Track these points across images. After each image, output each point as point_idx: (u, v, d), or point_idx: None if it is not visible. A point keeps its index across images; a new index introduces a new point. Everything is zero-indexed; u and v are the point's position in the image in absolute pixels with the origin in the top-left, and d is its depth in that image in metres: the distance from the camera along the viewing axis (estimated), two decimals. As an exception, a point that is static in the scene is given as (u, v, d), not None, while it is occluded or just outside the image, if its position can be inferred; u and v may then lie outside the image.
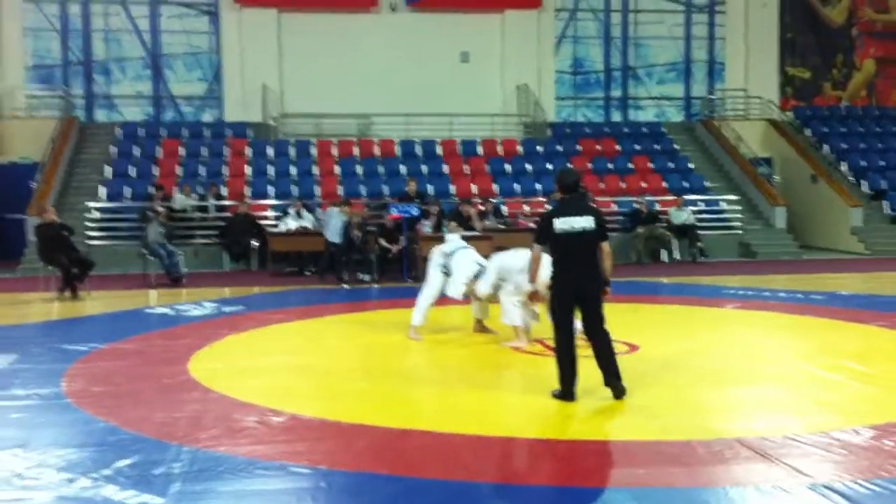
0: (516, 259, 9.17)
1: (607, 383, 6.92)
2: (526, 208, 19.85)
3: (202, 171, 20.98)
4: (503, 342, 9.29)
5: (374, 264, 16.20)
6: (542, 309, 8.86)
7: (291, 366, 8.49)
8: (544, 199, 20.45)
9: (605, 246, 6.98)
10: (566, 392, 6.87)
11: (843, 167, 23.63)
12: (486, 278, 9.37)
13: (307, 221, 17.83)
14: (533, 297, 7.29)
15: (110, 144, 21.74)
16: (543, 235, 6.97)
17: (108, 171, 20.78)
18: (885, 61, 27.23)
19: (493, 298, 9.53)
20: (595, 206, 8.31)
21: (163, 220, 16.44)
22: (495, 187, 21.04)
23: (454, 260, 9.77)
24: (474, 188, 20.75)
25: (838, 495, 4.76)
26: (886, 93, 27.34)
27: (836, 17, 26.92)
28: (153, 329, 10.73)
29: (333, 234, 16.12)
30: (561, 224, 6.84)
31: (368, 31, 24.06)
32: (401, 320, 10.41)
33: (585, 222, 6.84)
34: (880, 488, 4.87)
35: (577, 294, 6.87)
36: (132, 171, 20.78)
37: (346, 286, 15.39)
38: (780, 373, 8.11)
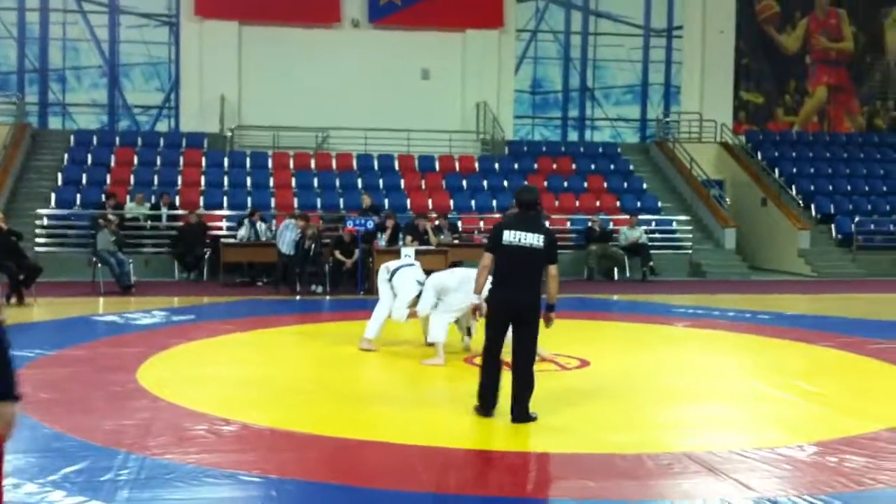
0: (452, 278, 9.20)
1: (513, 404, 6.64)
2: (481, 224, 19.96)
3: (156, 180, 20.78)
4: (423, 360, 9.21)
5: (327, 276, 16.15)
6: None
7: (242, 376, 8.43)
8: (499, 216, 20.55)
9: (553, 269, 6.82)
10: (483, 407, 6.73)
11: (793, 191, 24.07)
12: (425, 297, 9.34)
13: (262, 233, 17.73)
14: (476, 309, 7.19)
15: (63, 152, 21.46)
16: (492, 245, 6.85)
17: (59, 177, 20.49)
18: (837, 89, 27.83)
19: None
20: (548, 227, 8.24)
21: (113, 228, 16.24)
22: (451, 203, 21.09)
23: (396, 278, 9.75)
24: (430, 203, 20.79)
25: (783, 509, 4.84)
26: (838, 119, 27.92)
27: (791, 44, 27.48)
28: (101, 337, 10.59)
29: (286, 246, 16.11)
30: (509, 236, 6.71)
31: (330, 46, 24.04)
32: (353, 332, 10.39)
33: (534, 240, 6.69)
34: (822, 503, 4.96)
35: (512, 312, 6.67)
36: (84, 179, 20.52)
37: (297, 297, 15.32)
38: (728, 390, 8.23)
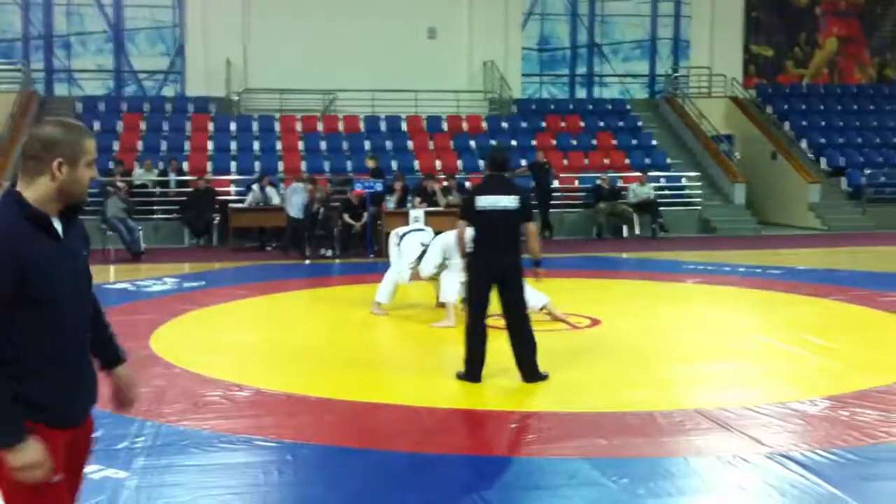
0: None
1: (519, 365, 6.68)
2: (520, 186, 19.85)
3: (163, 146, 20.76)
4: (432, 323, 9.22)
5: (337, 240, 16.17)
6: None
7: (255, 341, 8.48)
8: (508, 175, 20.47)
9: (531, 226, 6.85)
10: (470, 373, 6.71)
11: (803, 144, 23.90)
12: (430, 257, 9.32)
13: (274, 197, 17.72)
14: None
15: (70, 118, 21.37)
16: (466, 213, 6.80)
17: (67, 145, 20.45)
18: (847, 40, 27.49)
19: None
20: (522, 186, 8.16)
21: (122, 195, 16.26)
22: (460, 163, 21.02)
23: (404, 242, 9.77)
24: (438, 164, 20.73)
25: (795, 464, 4.86)
26: (848, 71, 27.62)
27: (801, -5, 27.13)
28: (113, 304, 10.61)
29: (295, 210, 16.13)
30: (483, 202, 6.67)
31: (335, 6, 23.79)
32: (363, 296, 10.41)
33: (508, 201, 6.66)
34: (836, 457, 4.98)
35: (496, 274, 6.67)
36: (92, 146, 20.47)
37: (307, 261, 15.36)
38: (740, 346, 8.24)
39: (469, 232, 6.80)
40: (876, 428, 5.52)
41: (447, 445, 5.31)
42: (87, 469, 4.72)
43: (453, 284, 9.07)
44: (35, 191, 2.67)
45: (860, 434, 5.40)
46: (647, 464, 4.92)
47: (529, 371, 6.67)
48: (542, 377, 6.69)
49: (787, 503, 4.40)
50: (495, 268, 6.66)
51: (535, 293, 9.03)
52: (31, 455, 2.56)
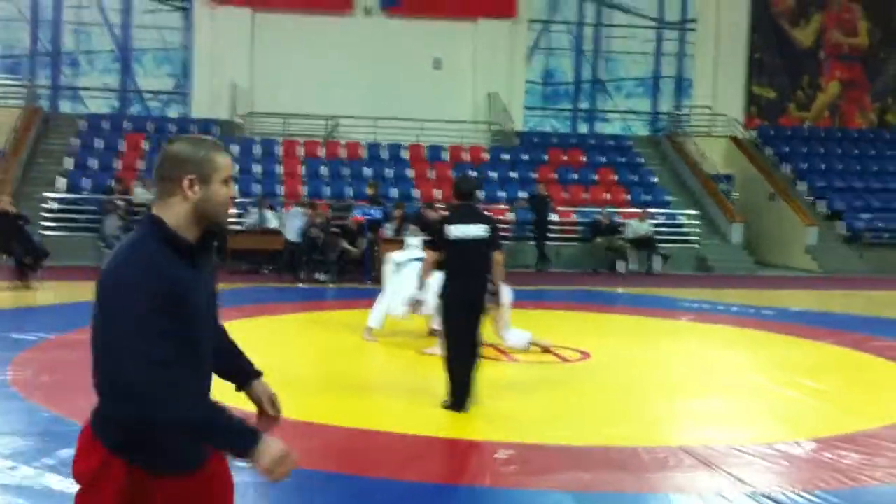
0: None
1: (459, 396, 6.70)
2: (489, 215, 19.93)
3: (165, 166, 20.79)
4: (424, 349, 9.23)
5: (334, 265, 16.18)
6: None
7: (245, 362, 8.44)
8: (507, 207, 20.56)
9: (498, 255, 6.85)
10: (455, 403, 6.70)
11: (802, 187, 23.97)
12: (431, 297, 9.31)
13: (272, 220, 17.75)
14: (417, 305, 7.19)
15: (73, 136, 21.52)
16: (437, 242, 6.81)
17: (68, 162, 20.55)
18: (850, 84, 27.66)
19: None
20: (489, 214, 8.24)
21: (121, 213, 16.31)
22: (459, 193, 21.05)
23: (403, 274, 9.69)
24: (438, 193, 20.77)
25: (776, 504, 4.85)
26: (850, 115, 27.77)
27: (805, 38, 27.32)
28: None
29: (293, 234, 16.18)
30: (455, 231, 6.69)
31: (342, 34, 24.01)
32: (356, 321, 10.41)
33: (479, 230, 6.71)
34: (818, 499, 4.97)
35: (470, 301, 6.70)
36: (93, 164, 20.58)
37: (301, 285, 15.38)
38: (728, 384, 8.23)
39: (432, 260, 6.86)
40: (859, 471, 5.51)
41: (430, 474, 5.30)
42: (67, 483, 4.74)
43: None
44: (171, 213, 2.51)
45: (843, 477, 5.39)
46: (628, 499, 4.92)
47: (462, 398, 6.71)
48: (464, 408, 6.65)
49: (764, 543, 4.40)
50: (469, 295, 6.68)
51: (518, 332, 9.08)
52: (276, 447, 2.42)
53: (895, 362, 9.39)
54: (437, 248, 6.81)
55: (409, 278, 9.63)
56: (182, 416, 2.40)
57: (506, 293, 9.10)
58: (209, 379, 2.66)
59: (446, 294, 6.76)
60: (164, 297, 2.39)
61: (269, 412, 2.93)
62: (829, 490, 5.12)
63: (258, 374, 2.90)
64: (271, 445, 2.43)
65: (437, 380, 7.29)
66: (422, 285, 7.14)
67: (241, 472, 5.05)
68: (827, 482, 5.27)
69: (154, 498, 2.49)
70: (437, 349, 8.95)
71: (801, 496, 5.00)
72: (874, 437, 6.31)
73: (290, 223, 16.37)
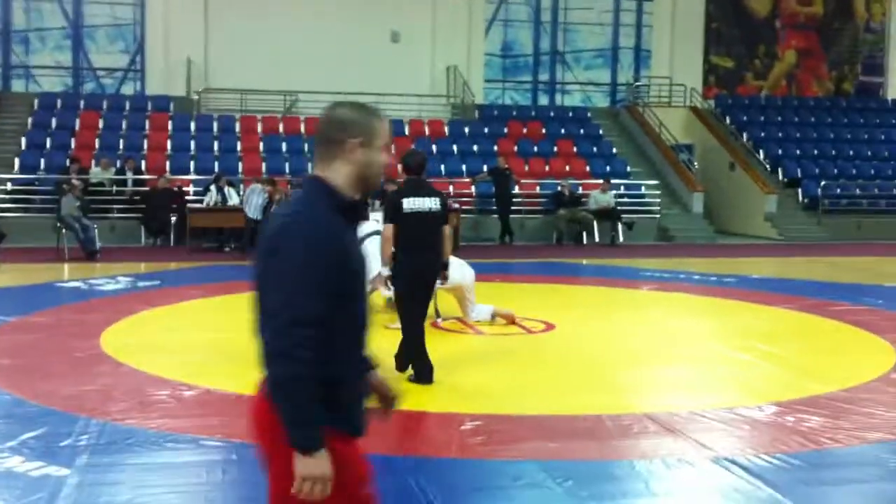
0: None
1: (397, 357, 6.89)
2: (451, 189, 19.95)
3: (121, 144, 20.54)
4: (388, 324, 9.20)
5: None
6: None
7: (207, 341, 8.39)
8: (469, 180, 20.55)
9: (446, 229, 6.94)
10: (420, 376, 6.79)
11: (761, 155, 24.20)
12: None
13: (233, 197, 17.60)
14: (385, 281, 7.16)
15: (27, 115, 21.14)
16: (392, 216, 6.83)
17: (23, 142, 20.20)
18: (806, 53, 27.91)
19: None
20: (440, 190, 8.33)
21: (78, 193, 16.06)
22: (421, 167, 21.00)
23: (365, 247, 9.65)
24: (400, 168, 20.66)
25: (739, 468, 4.91)
26: (806, 83, 28.03)
27: (761, 8, 27.48)
28: (65, 303, 10.50)
29: (254, 211, 16.07)
30: (409, 204, 6.72)
31: (298, 7, 23.72)
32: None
33: (432, 203, 6.77)
34: (780, 461, 5.03)
35: (422, 274, 6.79)
36: (48, 143, 20.24)
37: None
38: (691, 352, 8.31)
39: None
40: (820, 434, 5.59)
41: (394, 447, 5.30)
42: (29, 466, 4.69)
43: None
44: (335, 175, 2.54)
45: (804, 440, 5.46)
46: (592, 466, 4.95)
47: (404, 364, 6.86)
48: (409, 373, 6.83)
49: (728, 506, 4.46)
50: (421, 268, 6.79)
51: (481, 306, 9.13)
52: (322, 467, 2.39)
53: (854, 326, 9.52)
54: (393, 222, 6.82)
55: (370, 253, 9.60)
56: (290, 373, 2.40)
57: (469, 273, 9.16)
58: (365, 334, 2.64)
59: (400, 267, 6.79)
60: (338, 254, 2.44)
61: (384, 403, 2.92)
62: (791, 453, 5.19)
63: (374, 366, 2.82)
64: (319, 463, 2.40)
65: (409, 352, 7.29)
66: (384, 261, 7.13)
67: (206, 450, 5.05)
68: (789, 445, 5.34)
69: (353, 456, 2.54)
70: (399, 324, 8.96)
71: (764, 459, 5.06)
72: (835, 400, 6.41)
73: (250, 200, 16.25)
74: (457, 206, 19.05)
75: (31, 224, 17.45)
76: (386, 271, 7.08)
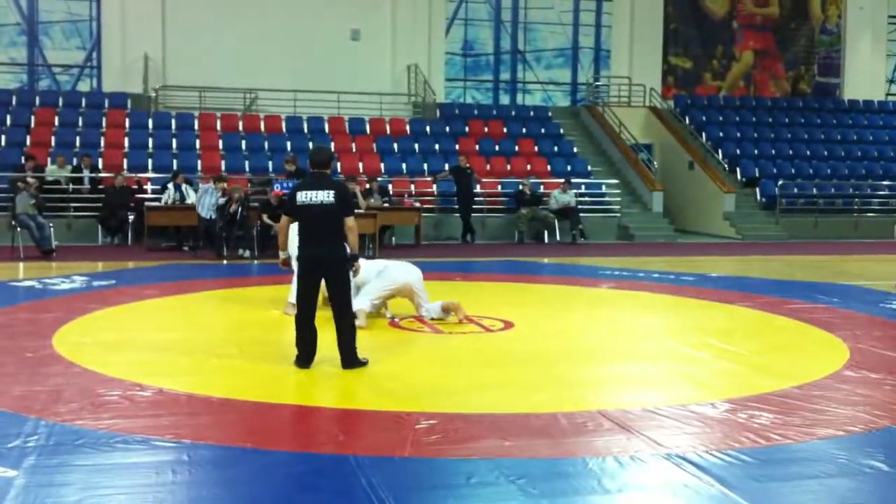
0: (371, 269, 9.36)
1: (340, 352, 7.15)
2: (412, 187, 19.93)
3: (77, 141, 20.29)
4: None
5: (255, 240, 15.98)
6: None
7: (161, 341, 8.30)
8: (430, 179, 20.53)
9: (349, 221, 7.16)
10: (299, 359, 7.13)
11: (720, 155, 24.44)
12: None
13: (191, 195, 17.43)
14: (284, 264, 7.72)
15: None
16: (288, 208, 7.26)
17: (-24, 139, 19.88)
18: (763, 53, 28.25)
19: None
20: (342, 182, 8.63)
21: (33, 191, 15.83)
22: (382, 166, 20.99)
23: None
24: (361, 166, 20.65)
25: (690, 464, 4.94)
26: (763, 84, 28.36)
27: (718, 9, 27.76)
28: (19, 302, 10.34)
29: (206, 210, 15.95)
30: (302, 197, 7.06)
31: (257, 4, 23.58)
32: (279, 296, 10.30)
33: (325, 196, 7.02)
34: (730, 458, 5.07)
35: (316, 267, 7.09)
36: (3, 140, 19.93)
37: (224, 261, 15.17)
38: (647, 349, 8.36)
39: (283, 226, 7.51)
40: (771, 430, 5.64)
41: (347, 446, 5.27)
42: (-26, 469, 4.60)
43: (364, 303, 9.03)
44: None
45: (755, 436, 5.51)
46: (545, 464, 4.95)
47: (347, 359, 7.11)
48: (361, 364, 7.11)
49: (678, 502, 4.48)
50: (316, 260, 7.06)
51: (431, 305, 9.16)
52: None
53: (808, 324, 9.64)
54: (288, 214, 7.28)
55: None
56: None
57: (413, 272, 9.22)
58: None
59: (298, 257, 7.20)
60: None
61: None
62: (742, 449, 5.24)
63: None
64: None
65: (365, 350, 7.26)
66: (284, 247, 7.68)
67: (157, 450, 4.99)
68: (741, 442, 5.38)
69: None
70: (357, 323, 8.94)
71: (715, 456, 5.10)
72: (787, 397, 6.47)
73: (203, 200, 16.12)
74: (417, 204, 19.06)
75: (-15, 222, 17.16)
76: (283, 255, 7.65)
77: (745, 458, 5.08)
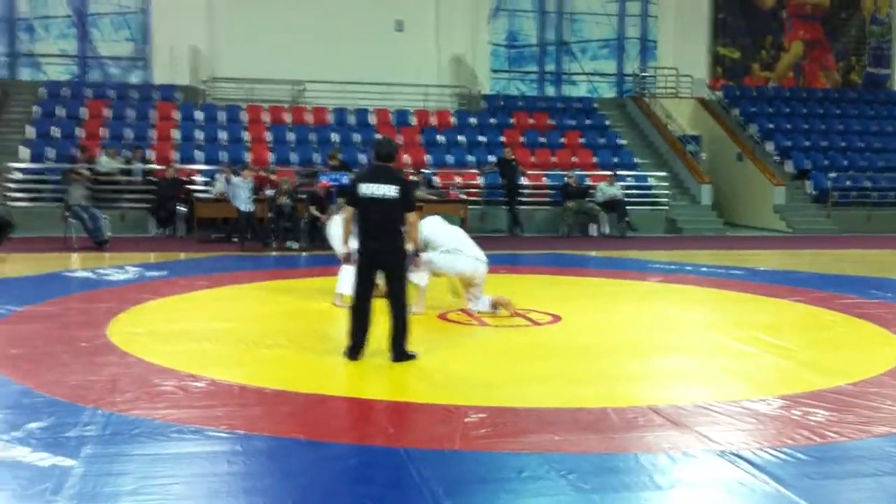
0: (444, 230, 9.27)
1: (389, 345, 7.13)
2: (457, 179, 19.93)
3: (128, 133, 20.56)
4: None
5: (304, 232, 16.10)
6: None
7: (213, 332, 8.40)
8: (476, 171, 20.52)
9: (411, 216, 7.16)
10: (351, 350, 7.13)
11: (769, 146, 24.12)
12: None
13: (223, 187, 17.55)
14: (346, 259, 7.52)
15: (33, 104, 21.15)
16: (350, 199, 7.23)
17: (30, 131, 20.22)
18: (813, 44, 27.80)
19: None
20: (406, 177, 8.55)
21: (86, 182, 16.09)
22: (428, 158, 21.01)
23: None
24: (407, 158, 20.69)
25: (744, 461, 4.89)
26: (813, 74, 27.92)
27: (767, -1, 27.39)
28: (73, 292, 10.53)
29: (243, 203, 16.10)
30: (365, 189, 7.04)
31: (302, -5, 23.70)
32: (327, 287, 10.35)
33: (388, 190, 6.99)
34: (785, 456, 5.01)
35: (375, 260, 7.07)
36: (55, 132, 20.26)
37: (273, 253, 15.30)
38: (697, 344, 8.30)
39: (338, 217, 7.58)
40: (826, 428, 5.57)
41: (398, 439, 5.30)
42: (35, 456, 4.70)
43: (422, 271, 9.10)
44: None
45: (810, 433, 5.44)
46: (596, 459, 4.94)
47: (397, 352, 7.09)
48: (410, 356, 7.11)
49: (732, 500, 4.44)
50: (375, 253, 7.05)
51: (483, 298, 9.17)
52: None
53: (861, 319, 9.49)
54: (351, 205, 7.22)
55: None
56: None
57: (482, 269, 9.20)
58: None
59: (358, 249, 7.17)
60: None
61: None
62: (797, 446, 5.18)
63: None
64: None
65: (414, 343, 7.29)
66: (346, 241, 7.53)
67: (211, 440, 5.06)
68: (795, 439, 5.32)
69: None
70: (415, 309, 9.01)
71: (769, 453, 5.05)
72: (840, 394, 6.39)
73: (237, 194, 16.28)
74: (463, 196, 19.06)
75: (40, 214, 17.52)
76: (344, 249, 7.52)
77: (799, 456, 5.02)
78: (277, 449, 5.07)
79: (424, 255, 9.09)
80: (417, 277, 9.16)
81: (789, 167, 23.48)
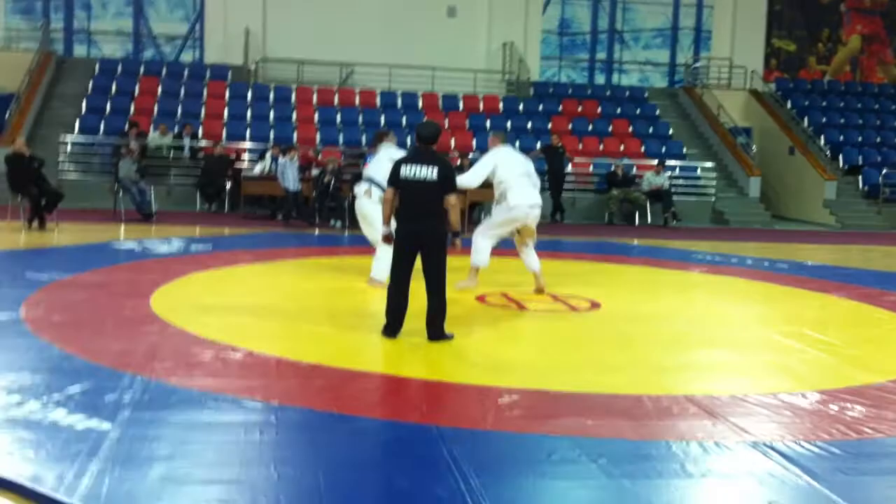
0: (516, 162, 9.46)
1: (427, 324, 7.15)
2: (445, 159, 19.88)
3: (179, 110, 20.79)
4: (458, 283, 9.29)
5: (347, 211, 16.17)
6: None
7: (254, 306, 8.49)
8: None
9: (451, 198, 7.08)
10: (386, 329, 7.19)
11: (821, 141, 23.73)
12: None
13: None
14: (386, 239, 7.44)
15: (88, 79, 21.46)
16: (392, 180, 7.19)
17: (83, 105, 20.54)
18: (871, 38, 27.25)
19: None
20: (447, 159, 8.43)
21: (136, 157, 16.32)
22: (474, 142, 20.97)
23: None
24: (453, 142, 20.68)
25: (777, 454, 4.84)
26: (870, 69, 27.38)
27: (825, -9, 26.89)
28: (119, 263, 10.70)
29: (292, 182, 16.28)
30: (405, 171, 7.06)
31: (356, -22, 23.74)
32: (368, 266, 10.38)
33: (428, 172, 6.98)
34: (819, 449, 4.95)
35: (414, 241, 7.04)
36: (108, 107, 20.56)
37: (316, 231, 15.42)
38: (737, 336, 8.21)
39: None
40: (864, 423, 5.49)
41: (430, 416, 5.33)
42: (72, 418, 4.80)
43: (478, 244, 9.27)
44: None
45: (846, 428, 5.37)
46: (628, 445, 4.92)
47: (434, 333, 7.12)
48: (447, 338, 7.12)
49: (763, 491, 4.39)
50: (414, 235, 7.02)
51: (535, 260, 9.43)
52: None
53: (906, 317, 9.33)
54: (392, 185, 7.19)
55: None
56: None
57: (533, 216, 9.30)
58: None
59: (396, 231, 7.18)
60: None
61: None
62: (832, 441, 5.11)
63: None
64: None
65: (451, 324, 7.30)
66: (387, 221, 7.44)
67: (246, 410, 5.12)
68: (830, 433, 5.25)
69: None
70: (468, 283, 9.11)
71: (803, 446, 4.99)
72: (881, 391, 6.29)
73: (285, 175, 16.44)
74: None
75: (90, 186, 17.82)
76: (385, 230, 7.39)
77: (834, 451, 4.96)
78: (310, 421, 5.12)
79: (483, 226, 9.31)
80: (478, 259, 9.39)
81: (841, 162, 23.07)
